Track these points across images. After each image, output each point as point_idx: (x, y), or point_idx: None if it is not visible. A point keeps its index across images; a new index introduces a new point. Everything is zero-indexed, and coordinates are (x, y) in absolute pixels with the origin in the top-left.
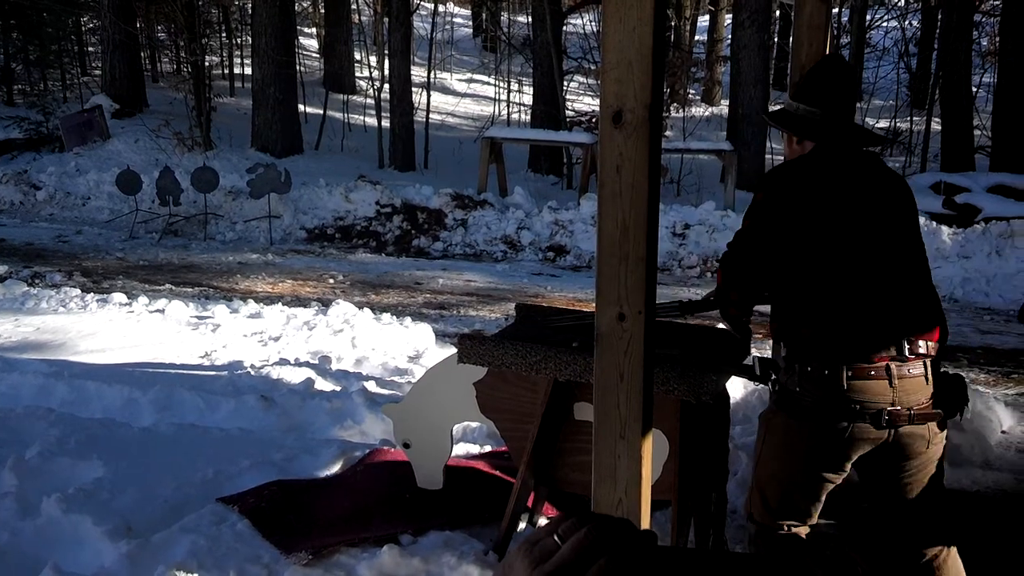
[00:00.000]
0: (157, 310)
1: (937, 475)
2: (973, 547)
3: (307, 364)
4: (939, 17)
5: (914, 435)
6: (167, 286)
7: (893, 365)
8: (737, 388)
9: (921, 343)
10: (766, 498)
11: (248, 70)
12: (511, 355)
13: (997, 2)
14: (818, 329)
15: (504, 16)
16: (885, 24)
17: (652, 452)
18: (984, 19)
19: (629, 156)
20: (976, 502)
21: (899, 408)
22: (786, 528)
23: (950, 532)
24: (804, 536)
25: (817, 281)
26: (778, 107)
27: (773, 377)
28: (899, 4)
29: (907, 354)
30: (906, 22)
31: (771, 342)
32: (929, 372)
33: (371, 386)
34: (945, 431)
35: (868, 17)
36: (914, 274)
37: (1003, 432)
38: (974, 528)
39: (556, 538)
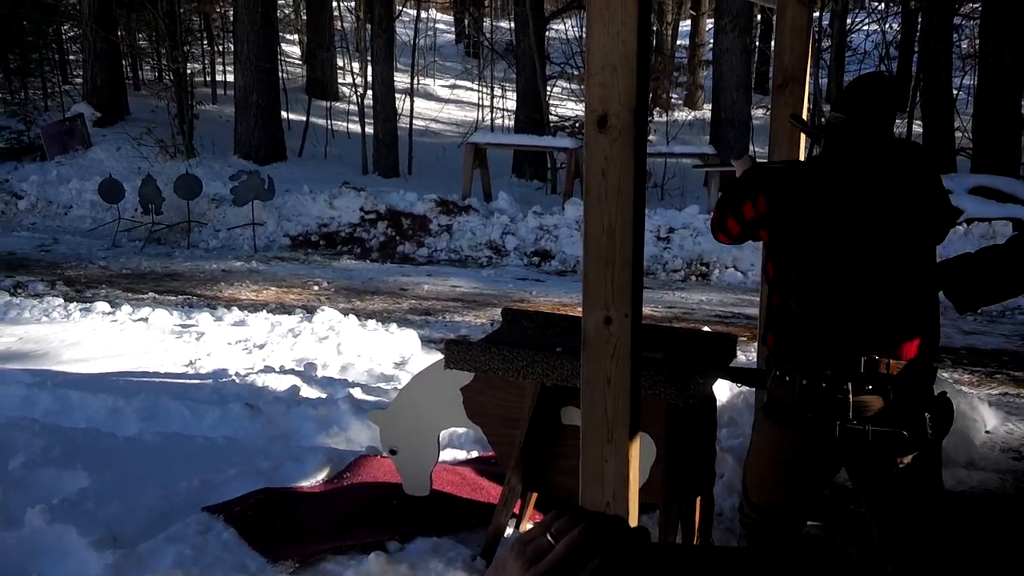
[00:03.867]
0: (141, 319)
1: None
2: (960, 546)
3: (292, 371)
4: (919, 20)
5: (881, 442)
6: (150, 294)
7: (848, 381)
8: (723, 391)
9: (884, 362)
10: (748, 489)
11: (230, 77)
12: (498, 360)
13: (976, 5)
14: (781, 335)
15: (487, 22)
16: (866, 27)
17: (639, 455)
18: (964, 22)
19: (614, 160)
20: (961, 502)
21: (853, 423)
22: (760, 520)
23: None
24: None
25: (800, 288)
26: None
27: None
28: (879, 7)
29: (863, 370)
30: (886, 25)
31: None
32: (892, 390)
33: (357, 393)
34: (933, 438)
35: (849, 21)
36: (898, 293)
37: (987, 432)
38: (960, 527)
39: (549, 537)
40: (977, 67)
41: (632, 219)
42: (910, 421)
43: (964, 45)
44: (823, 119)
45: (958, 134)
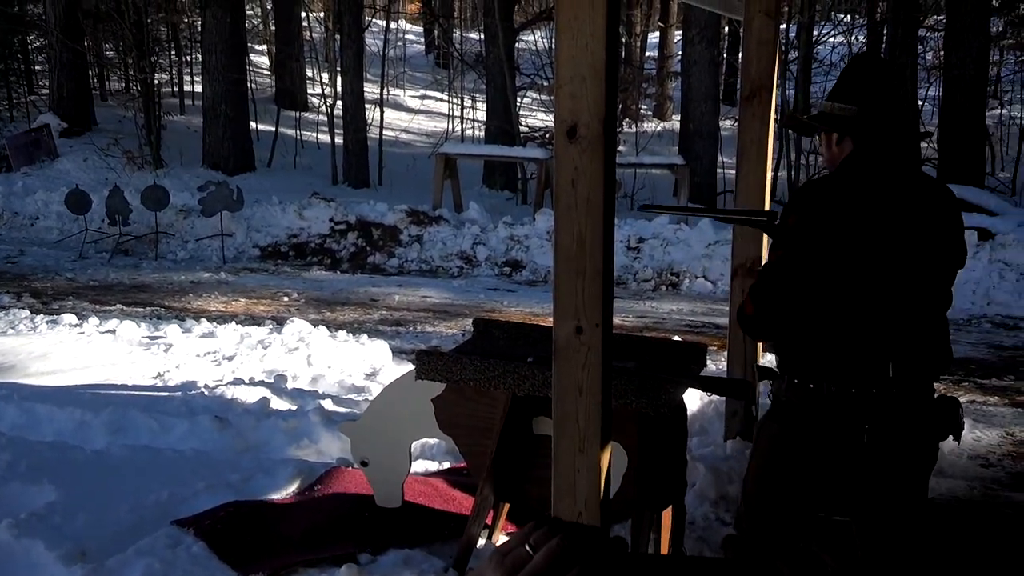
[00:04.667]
0: (108, 331)
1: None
2: (931, 552)
3: (262, 383)
4: (884, 32)
5: (888, 449)
6: (118, 306)
7: (874, 388)
8: (694, 400)
9: (905, 372)
10: (750, 501)
11: (198, 87)
12: (469, 370)
13: (941, 17)
14: (810, 344)
15: (456, 33)
16: (832, 39)
17: (611, 465)
18: (928, 34)
19: (584, 170)
20: (931, 509)
21: (878, 428)
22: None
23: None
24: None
25: (819, 297)
26: (815, 111)
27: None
28: (845, 20)
29: (891, 376)
30: (852, 37)
31: (766, 352)
32: (912, 397)
33: (327, 404)
34: (935, 452)
35: (815, 32)
36: (922, 307)
37: (955, 440)
38: (931, 534)
39: (528, 548)
40: (942, 78)
41: (602, 229)
42: (927, 424)
43: (929, 57)
44: (826, 111)
45: (923, 144)
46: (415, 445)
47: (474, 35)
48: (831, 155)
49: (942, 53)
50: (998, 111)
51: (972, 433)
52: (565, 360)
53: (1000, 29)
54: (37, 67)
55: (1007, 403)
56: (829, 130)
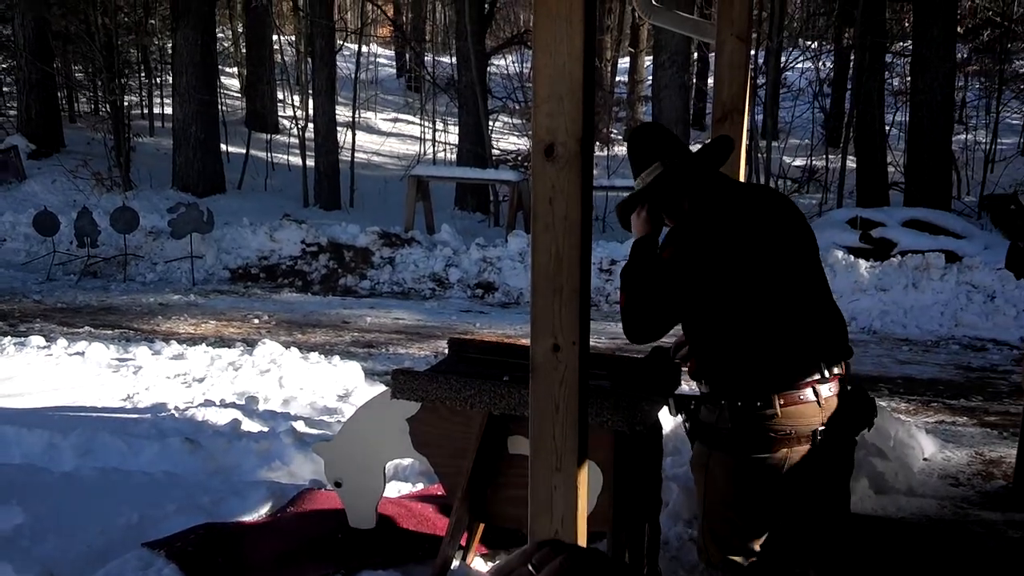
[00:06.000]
0: (76, 352)
1: (847, 494)
2: (900, 573)
3: (233, 405)
4: (852, 58)
5: (837, 450)
6: (86, 328)
7: (818, 386)
8: (667, 420)
9: (837, 362)
10: (720, 539)
11: (168, 109)
12: (445, 389)
13: (907, 44)
14: (744, 364)
15: (428, 57)
16: (800, 65)
17: (587, 484)
18: (895, 59)
19: (562, 188)
20: (901, 528)
21: (827, 427)
22: (744, 562)
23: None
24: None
25: (737, 319)
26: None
27: (685, 417)
28: (813, 46)
29: (827, 375)
30: (820, 63)
31: (689, 380)
32: (841, 388)
33: (300, 426)
34: (854, 444)
35: (784, 58)
36: (820, 292)
37: (925, 459)
38: (901, 554)
39: (531, 567)
40: (909, 103)
41: (579, 247)
42: (859, 415)
43: (896, 82)
44: (641, 185)
45: (891, 168)
46: (388, 466)
47: (445, 59)
48: (681, 216)
49: (908, 79)
50: (963, 136)
51: (942, 453)
52: (542, 377)
53: (965, 56)
54: (5, 88)
55: (976, 423)
56: (658, 197)
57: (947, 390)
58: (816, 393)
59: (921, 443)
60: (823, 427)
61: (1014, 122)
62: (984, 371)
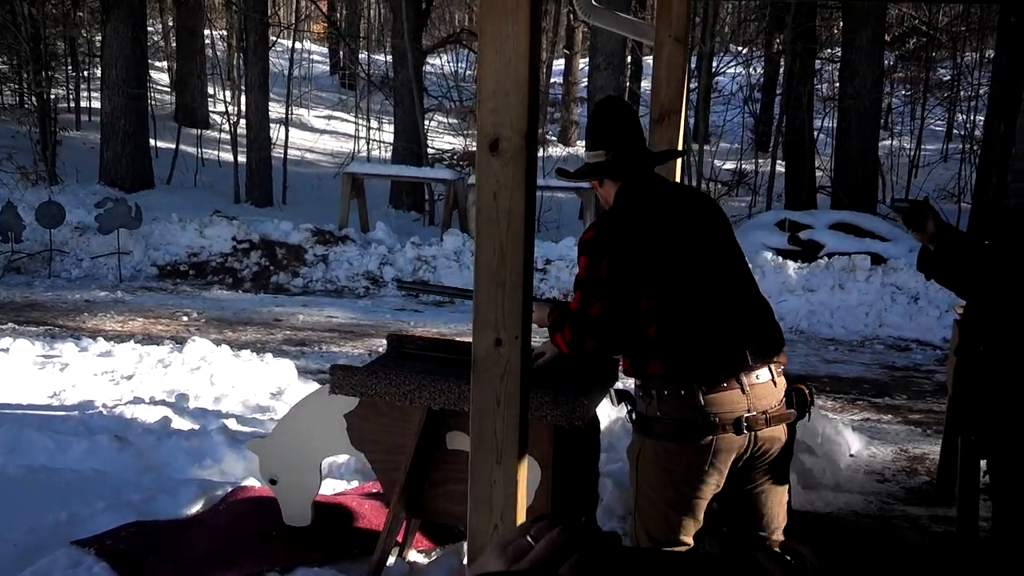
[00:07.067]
0: (0, 349)
1: (787, 485)
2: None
3: (163, 403)
4: (782, 63)
5: (772, 438)
6: (10, 325)
7: (742, 375)
8: (601, 417)
9: (764, 350)
10: (649, 527)
11: (95, 103)
12: (385, 385)
13: (836, 50)
14: (668, 355)
15: (363, 54)
16: (731, 70)
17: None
18: (824, 65)
19: (506, 183)
20: (829, 523)
21: (755, 413)
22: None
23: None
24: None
25: (658, 312)
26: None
27: (629, 408)
28: (743, 51)
29: (751, 362)
30: (751, 68)
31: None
32: (776, 376)
33: (231, 424)
34: (794, 434)
35: (715, 63)
36: (744, 286)
37: (851, 456)
38: (829, 547)
39: (529, 539)
40: (837, 109)
41: (523, 241)
42: (792, 402)
43: (824, 88)
44: (584, 164)
45: (819, 172)
46: (323, 463)
47: (380, 57)
48: (602, 195)
49: (837, 84)
50: (889, 142)
51: (868, 450)
52: (484, 372)
53: (891, 63)
54: None
55: (900, 421)
56: (592, 178)
57: (872, 388)
58: (740, 381)
59: (847, 440)
60: (749, 413)
61: (937, 128)
62: (908, 370)
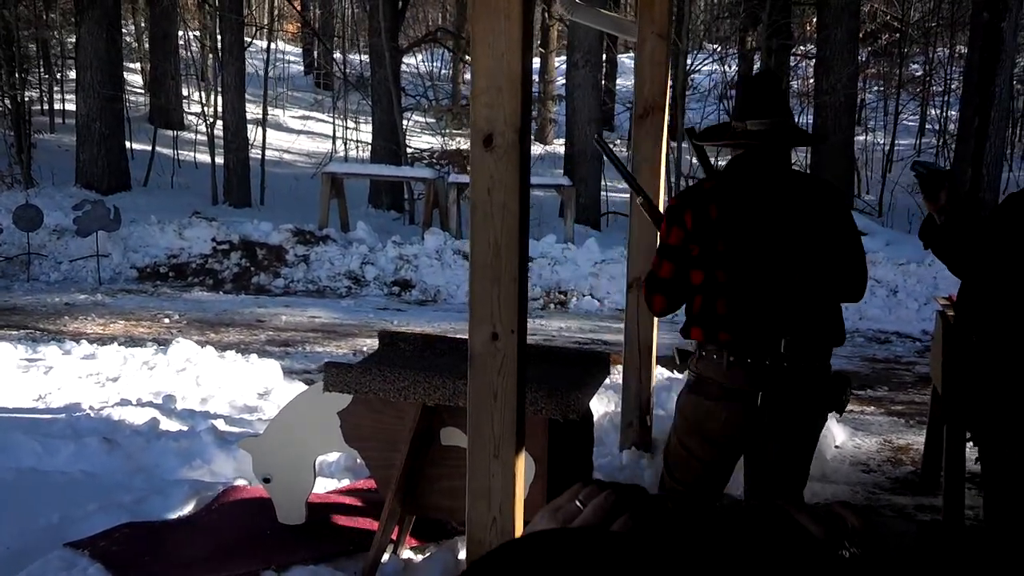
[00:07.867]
0: None
1: (804, 462)
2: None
3: (150, 404)
4: (757, 60)
5: (778, 414)
6: None
7: (767, 360)
8: (597, 409)
9: (797, 347)
10: (670, 464)
11: (69, 105)
12: (379, 381)
13: (812, 47)
14: (706, 328)
15: (338, 55)
16: (707, 67)
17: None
18: (800, 62)
19: (500, 178)
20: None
21: (741, 389)
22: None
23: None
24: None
25: (705, 287)
26: (718, 127)
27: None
28: (717, 49)
29: (783, 349)
30: (726, 65)
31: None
32: (806, 364)
33: (220, 424)
34: (823, 418)
35: (690, 60)
36: (803, 280)
37: (836, 447)
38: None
39: (578, 503)
40: (812, 104)
41: (518, 235)
42: (815, 393)
43: (797, 84)
44: (737, 129)
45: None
46: (316, 461)
47: (355, 56)
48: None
49: (812, 80)
50: (863, 137)
51: (853, 441)
52: (481, 366)
53: (865, 59)
54: None
55: (883, 412)
56: (736, 146)
57: (854, 380)
58: (763, 362)
59: (833, 431)
60: (763, 394)
61: (911, 123)
62: (889, 362)
